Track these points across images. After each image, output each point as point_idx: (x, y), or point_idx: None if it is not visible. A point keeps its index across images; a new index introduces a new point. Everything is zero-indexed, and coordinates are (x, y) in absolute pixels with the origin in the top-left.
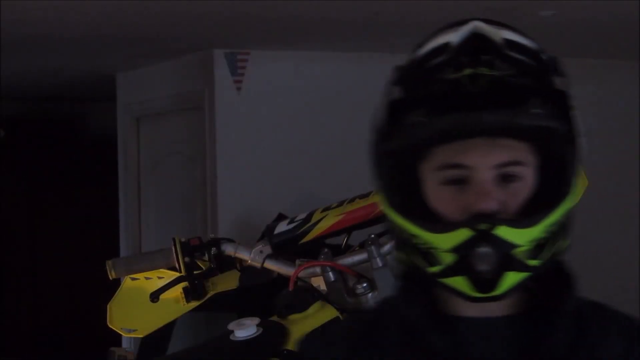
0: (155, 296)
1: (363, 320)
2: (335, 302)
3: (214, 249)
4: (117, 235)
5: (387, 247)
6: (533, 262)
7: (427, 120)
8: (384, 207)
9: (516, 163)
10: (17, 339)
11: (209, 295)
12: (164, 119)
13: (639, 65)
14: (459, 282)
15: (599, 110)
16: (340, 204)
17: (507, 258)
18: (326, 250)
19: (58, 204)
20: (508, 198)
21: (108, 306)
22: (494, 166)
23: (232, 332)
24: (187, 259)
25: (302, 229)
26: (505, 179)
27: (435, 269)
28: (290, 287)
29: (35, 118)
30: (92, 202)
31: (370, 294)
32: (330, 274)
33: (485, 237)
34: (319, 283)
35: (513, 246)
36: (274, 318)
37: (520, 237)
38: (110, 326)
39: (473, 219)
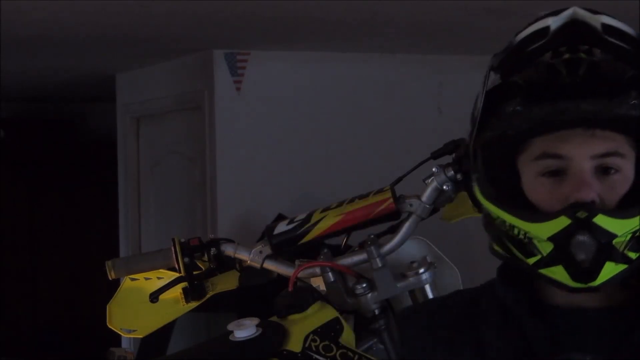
0: (154, 296)
1: (464, 300)
2: (334, 302)
3: (214, 249)
4: (117, 235)
5: (386, 248)
6: (633, 255)
7: (525, 110)
8: (480, 199)
9: (614, 154)
10: (17, 339)
11: (208, 296)
12: (163, 119)
13: None
14: (558, 272)
15: None
16: (340, 204)
17: (606, 247)
18: (326, 250)
19: (58, 204)
20: (606, 191)
21: (107, 306)
22: (592, 157)
23: (231, 332)
24: (186, 260)
25: (301, 230)
26: (604, 171)
27: (534, 260)
28: (290, 288)
29: (35, 118)
30: (92, 202)
31: (369, 295)
32: (330, 274)
33: (584, 224)
34: (319, 283)
35: (612, 236)
36: (274, 318)
37: (618, 227)
38: (110, 326)
39: (571, 207)
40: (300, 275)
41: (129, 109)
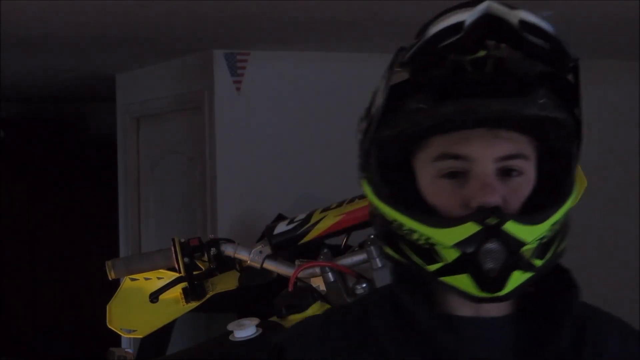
0: (154, 296)
1: (352, 315)
2: (334, 302)
3: (214, 249)
4: (117, 236)
5: None
6: (538, 262)
7: (429, 108)
8: (373, 200)
9: (518, 156)
10: (17, 339)
11: (208, 296)
12: (163, 119)
13: (639, 65)
14: (462, 281)
15: (598, 110)
16: (340, 204)
17: (514, 256)
18: (326, 250)
19: (58, 204)
20: (509, 194)
21: (107, 306)
22: (495, 159)
23: (231, 332)
24: (186, 260)
25: (301, 230)
26: (506, 173)
27: (435, 267)
28: (290, 288)
29: (35, 118)
30: (92, 202)
31: None
32: (330, 274)
33: (494, 232)
34: (319, 283)
35: (521, 244)
36: (274, 319)
37: (528, 235)
38: (110, 326)
39: (480, 213)
40: (300, 275)
41: (129, 109)
